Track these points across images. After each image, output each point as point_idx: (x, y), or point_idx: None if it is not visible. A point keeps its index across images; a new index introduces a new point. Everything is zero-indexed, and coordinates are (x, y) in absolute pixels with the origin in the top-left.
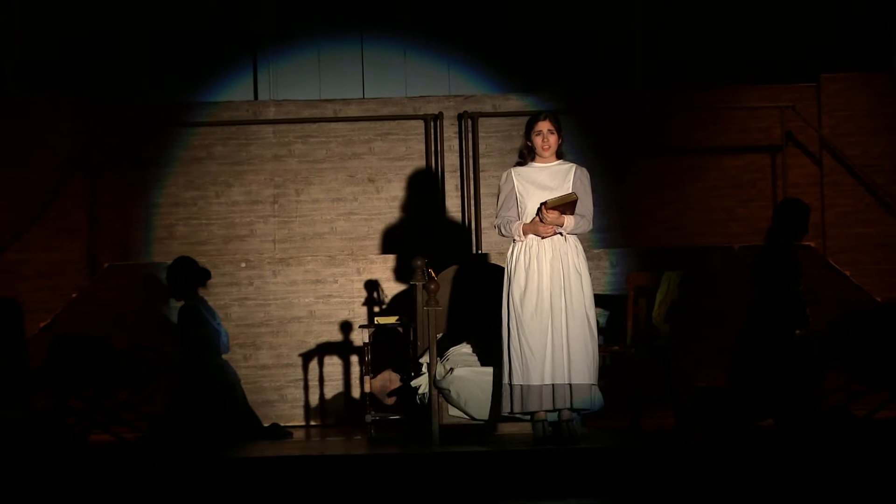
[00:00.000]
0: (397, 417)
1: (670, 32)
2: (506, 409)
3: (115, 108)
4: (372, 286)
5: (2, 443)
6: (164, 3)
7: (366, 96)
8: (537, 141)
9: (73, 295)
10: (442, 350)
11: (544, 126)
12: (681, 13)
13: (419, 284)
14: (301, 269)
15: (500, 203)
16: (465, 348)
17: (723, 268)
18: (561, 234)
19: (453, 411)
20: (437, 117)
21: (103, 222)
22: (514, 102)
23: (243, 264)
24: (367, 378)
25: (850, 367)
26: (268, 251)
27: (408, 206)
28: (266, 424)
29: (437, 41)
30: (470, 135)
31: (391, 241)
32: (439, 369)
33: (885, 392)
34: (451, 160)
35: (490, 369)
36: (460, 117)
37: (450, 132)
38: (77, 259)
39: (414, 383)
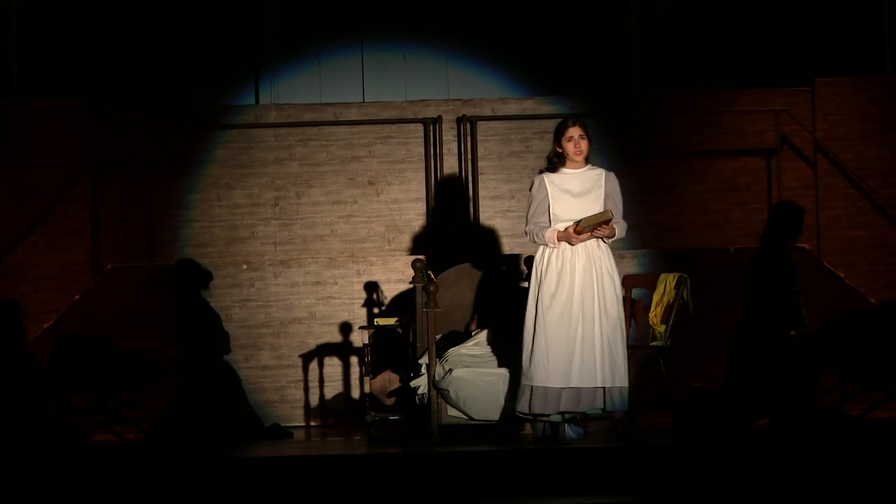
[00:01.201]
0: (397, 418)
1: (666, 36)
2: (522, 408)
3: (118, 111)
4: (371, 288)
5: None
6: (167, 8)
7: (366, 100)
8: (569, 147)
9: (77, 296)
10: (441, 351)
11: (575, 132)
12: (676, 18)
13: (418, 286)
14: (302, 271)
15: (532, 209)
16: (463, 349)
17: (718, 269)
18: (603, 239)
19: (452, 412)
20: (437, 121)
21: (107, 225)
22: (513, 106)
23: (244, 266)
24: (366, 379)
25: (844, 367)
26: (269, 253)
27: (407, 208)
28: (267, 425)
29: (437, 45)
30: (469, 138)
31: (391, 243)
32: (438, 370)
33: (879, 391)
34: (450, 163)
35: (488, 370)
36: (459, 121)
37: (449, 136)
38: (81, 261)
39: (413, 384)
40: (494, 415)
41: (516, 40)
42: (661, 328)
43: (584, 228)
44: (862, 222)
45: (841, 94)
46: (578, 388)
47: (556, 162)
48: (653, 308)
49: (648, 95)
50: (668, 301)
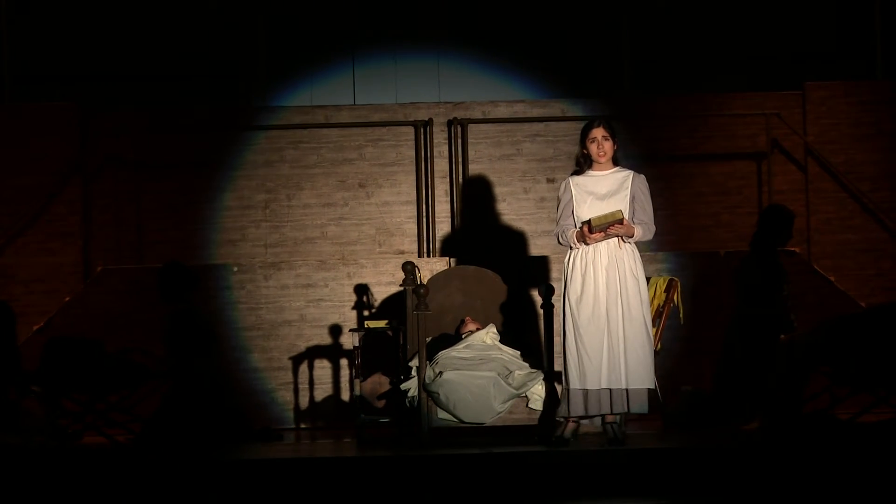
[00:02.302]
0: (387, 420)
1: (657, 41)
2: (562, 412)
3: (108, 114)
4: (362, 290)
5: None
6: (159, 11)
7: (357, 103)
8: (592, 148)
9: (67, 298)
10: (431, 354)
11: (598, 133)
12: (667, 22)
13: (409, 289)
14: (292, 274)
15: (558, 212)
16: (454, 352)
17: (709, 273)
18: (624, 239)
19: (442, 414)
20: (427, 123)
21: (97, 227)
22: (503, 109)
23: (235, 269)
24: (357, 381)
25: (834, 371)
26: (259, 255)
27: (398, 211)
28: (256, 427)
29: (428, 48)
30: (459, 141)
31: (381, 245)
32: (428, 373)
33: (868, 395)
34: (440, 166)
35: (479, 373)
36: (450, 124)
37: (440, 138)
38: (71, 263)
39: (403, 386)
40: (484, 418)
41: (508, 44)
42: (652, 331)
43: (595, 228)
44: (852, 226)
45: (832, 98)
46: (609, 390)
47: (582, 163)
48: None
49: (640, 99)
50: (659, 304)
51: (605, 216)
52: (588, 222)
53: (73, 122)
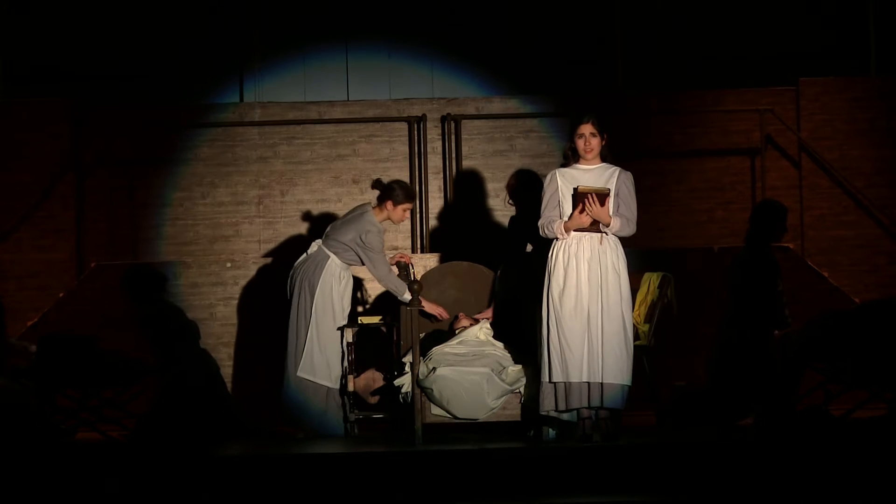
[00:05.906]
0: (380, 416)
1: (651, 36)
2: (547, 406)
3: (102, 110)
4: (355, 286)
5: None
6: (152, 8)
7: (350, 99)
8: (579, 143)
9: (61, 294)
10: (425, 349)
11: (586, 129)
12: (662, 18)
13: None
14: (286, 270)
15: (543, 204)
16: (447, 348)
17: (702, 269)
18: (605, 232)
19: (436, 410)
20: (421, 119)
21: (91, 223)
22: (497, 105)
23: (228, 264)
24: (350, 377)
25: (827, 367)
26: (253, 251)
27: None
28: (250, 423)
29: (421, 44)
30: (453, 137)
31: None
32: (422, 368)
33: (862, 392)
34: (434, 162)
35: (472, 369)
36: (444, 119)
37: (433, 134)
38: (65, 259)
39: (397, 382)
40: (478, 414)
41: (501, 39)
42: (645, 327)
43: (579, 195)
44: (846, 222)
45: (825, 94)
46: (588, 384)
47: (569, 157)
48: (637, 307)
49: (633, 95)
50: (652, 300)
51: (593, 187)
52: (575, 189)
53: (67, 119)
